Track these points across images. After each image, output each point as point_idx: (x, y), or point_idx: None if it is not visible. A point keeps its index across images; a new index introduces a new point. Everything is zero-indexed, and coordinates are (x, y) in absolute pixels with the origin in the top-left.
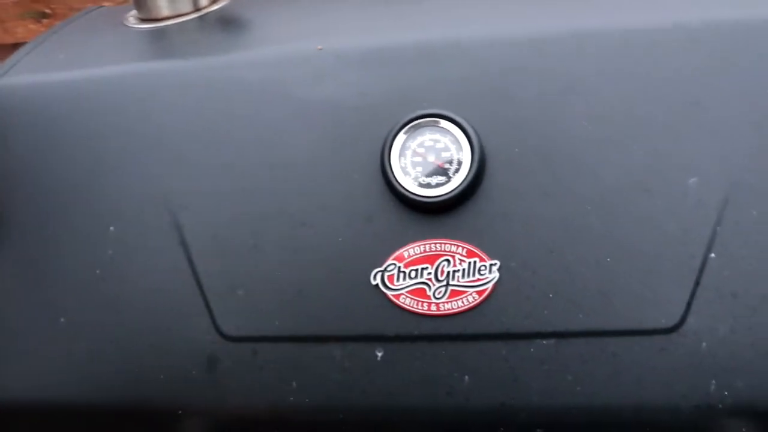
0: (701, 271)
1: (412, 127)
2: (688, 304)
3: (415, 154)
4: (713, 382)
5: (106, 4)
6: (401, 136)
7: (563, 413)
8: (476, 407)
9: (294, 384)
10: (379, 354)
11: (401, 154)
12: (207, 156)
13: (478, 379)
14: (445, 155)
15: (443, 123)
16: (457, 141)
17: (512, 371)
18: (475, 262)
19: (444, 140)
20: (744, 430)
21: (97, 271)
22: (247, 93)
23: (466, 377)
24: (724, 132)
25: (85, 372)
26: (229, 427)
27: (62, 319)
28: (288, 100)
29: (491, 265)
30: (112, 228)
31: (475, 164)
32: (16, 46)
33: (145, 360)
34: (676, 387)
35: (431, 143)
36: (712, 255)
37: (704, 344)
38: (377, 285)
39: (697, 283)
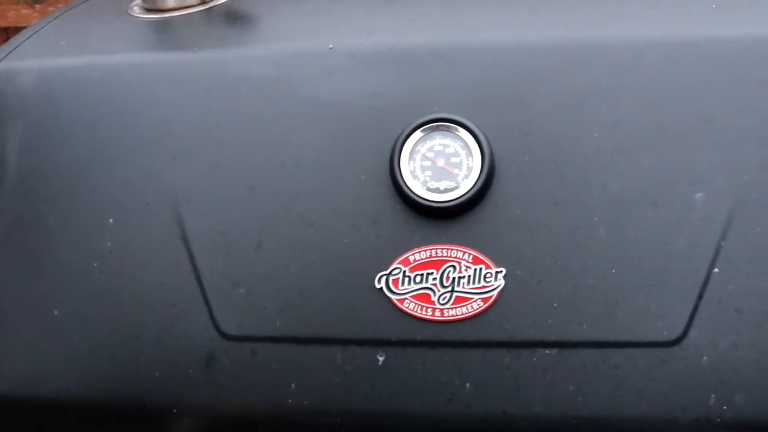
0: (705, 285)
1: (422, 130)
2: (691, 318)
3: (424, 158)
4: (713, 396)
5: None
6: (411, 140)
7: (564, 423)
8: (477, 414)
9: (293, 386)
10: (381, 358)
11: (411, 157)
12: (212, 151)
13: (480, 386)
14: (455, 160)
15: (454, 128)
16: (467, 146)
17: (514, 380)
18: (481, 269)
19: (454, 145)
20: None
21: (95, 264)
22: (256, 89)
23: (468, 384)
24: (732, 148)
25: (80, 367)
26: (226, 427)
27: (56, 312)
28: (297, 98)
29: (497, 272)
30: (111, 220)
31: (485, 170)
32: (7, 30)
33: (141, 356)
34: (676, 400)
35: (441, 148)
36: (716, 270)
37: (705, 358)
38: (381, 288)
39: (700, 297)
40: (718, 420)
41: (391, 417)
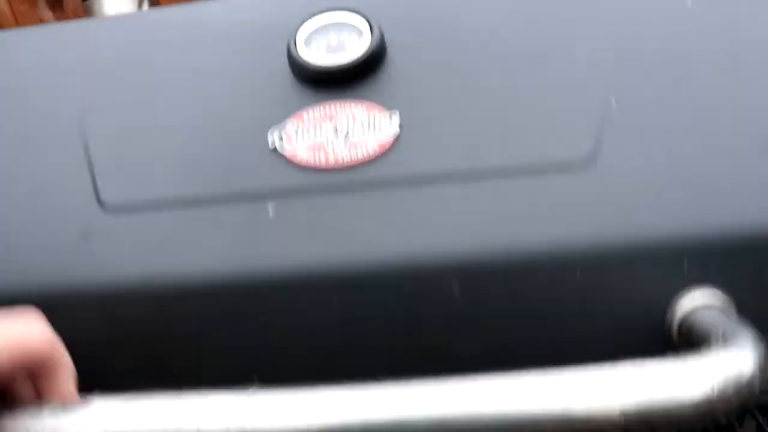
0: (608, 105)
1: (319, 22)
2: (599, 136)
3: (320, 39)
4: (632, 214)
5: None
6: (308, 27)
7: (476, 258)
8: (377, 260)
9: (181, 252)
10: (272, 212)
11: (306, 43)
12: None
13: (381, 229)
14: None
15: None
16: (359, 30)
17: (418, 218)
18: (375, 114)
19: (348, 29)
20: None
21: None
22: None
23: (369, 228)
24: None
25: None
26: (110, 310)
27: None
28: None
29: (391, 115)
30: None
31: (377, 34)
32: None
33: (15, 238)
34: (593, 223)
35: (336, 30)
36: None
37: (619, 176)
38: (273, 143)
39: (605, 116)
40: (641, 240)
41: (286, 272)
